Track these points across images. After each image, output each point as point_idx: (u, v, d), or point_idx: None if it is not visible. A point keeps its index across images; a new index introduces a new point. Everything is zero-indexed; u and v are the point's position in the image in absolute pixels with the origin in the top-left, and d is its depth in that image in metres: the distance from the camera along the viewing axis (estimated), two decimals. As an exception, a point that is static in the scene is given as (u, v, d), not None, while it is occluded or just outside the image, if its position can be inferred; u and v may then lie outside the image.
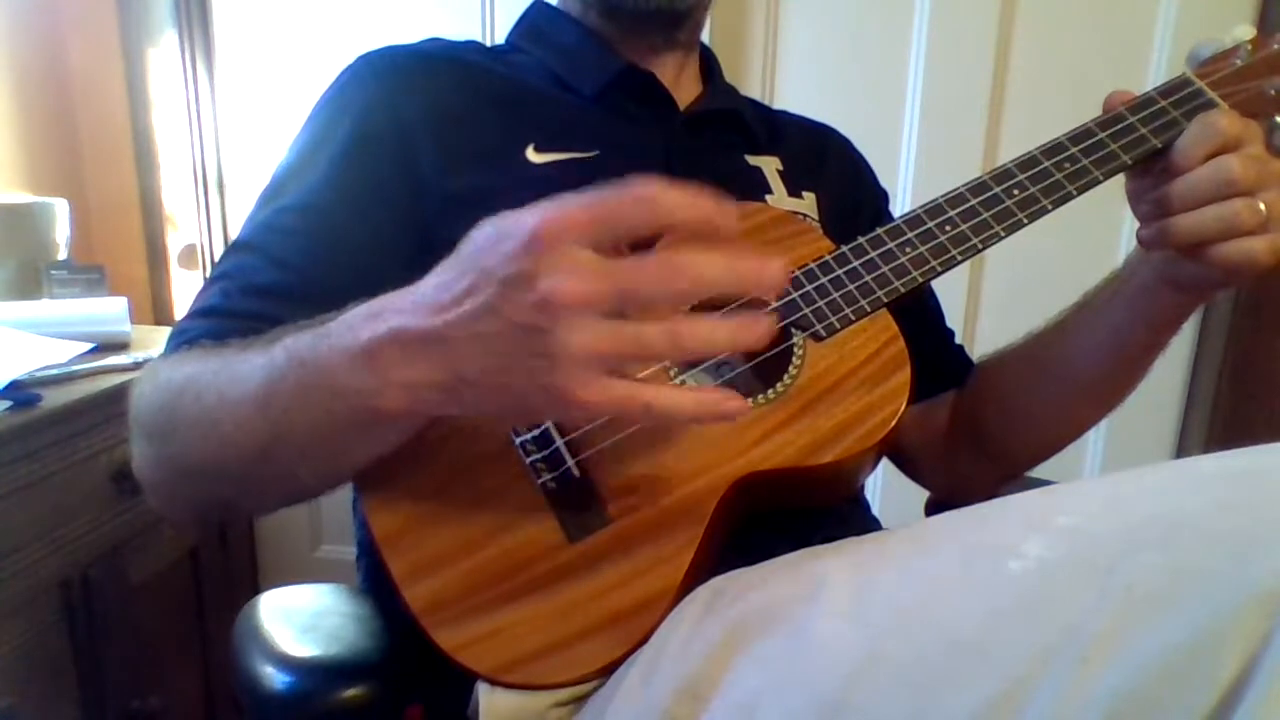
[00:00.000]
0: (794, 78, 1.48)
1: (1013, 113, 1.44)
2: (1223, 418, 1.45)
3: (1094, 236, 1.40)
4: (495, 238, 0.41)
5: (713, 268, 0.40)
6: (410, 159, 0.66)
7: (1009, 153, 0.62)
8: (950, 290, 0.87)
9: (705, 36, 0.84)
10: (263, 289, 0.62)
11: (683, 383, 0.58)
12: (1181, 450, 1.50)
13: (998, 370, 0.77)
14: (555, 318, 0.39)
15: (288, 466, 0.52)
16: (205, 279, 0.66)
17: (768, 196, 0.75)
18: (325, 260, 0.63)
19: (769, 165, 0.78)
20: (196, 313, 0.63)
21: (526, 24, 0.81)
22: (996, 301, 1.49)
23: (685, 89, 0.79)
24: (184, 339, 0.61)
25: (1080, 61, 1.39)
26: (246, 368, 0.51)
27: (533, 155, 0.68)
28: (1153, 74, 1.39)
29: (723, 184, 0.73)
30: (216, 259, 0.68)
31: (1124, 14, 1.38)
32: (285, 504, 0.58)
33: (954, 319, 0.86)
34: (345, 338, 0.46)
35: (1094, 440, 1.51)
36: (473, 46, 0.78)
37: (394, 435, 0.50)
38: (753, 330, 0.42)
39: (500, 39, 0.83)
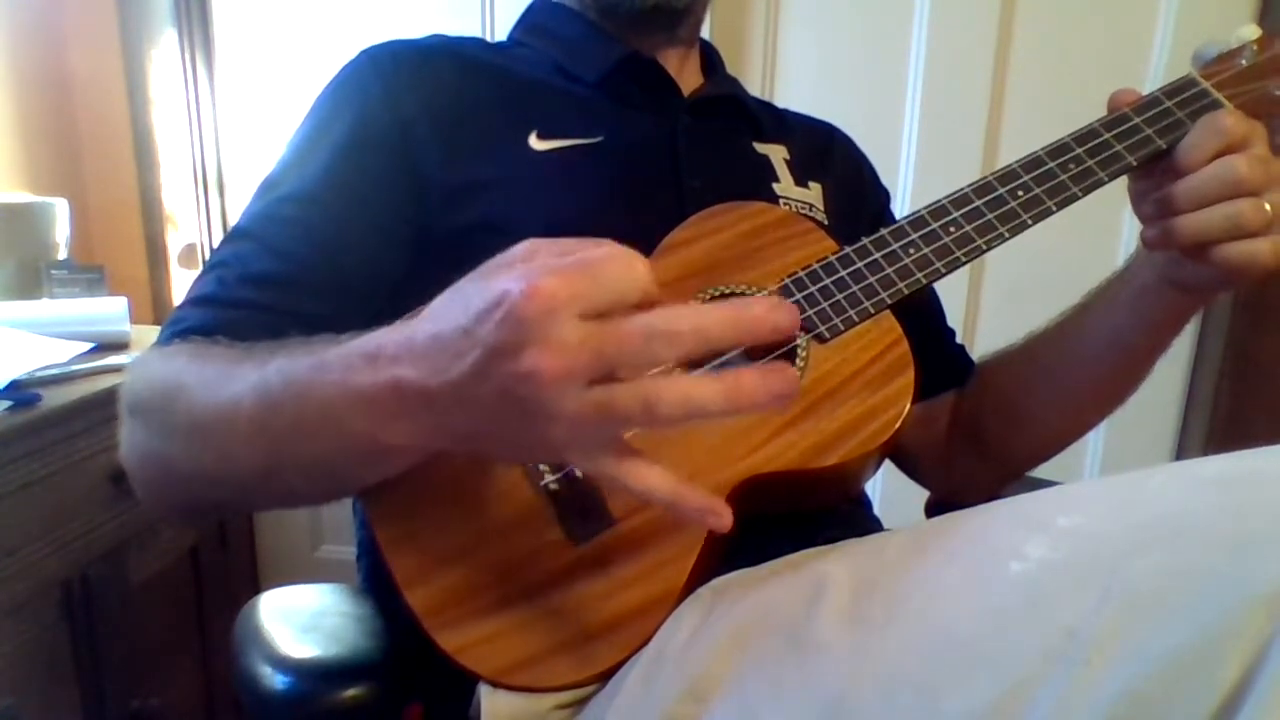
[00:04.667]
0: (794, 77, 1.48)
1: (1013, 113, 1.44)
2: (1222, 418, 1.45)
3: (1094, 236, 1.40)
4: (482, 300, 0.39)
5: (715, 323, 0.38)
6: (410, 152, 0.66)
7: (1009, 153, 0.62)
8: (951, 290, 0.87)
9: (705, 36, 0.84)
10: (259, 278, 0.62)
11: None
12: (1181, 450, 1.50)
13: (998, 370, 0.77)
14: (540, 388, 0.38)
15: (288, 484, 0.51)
16: (202, 267, 0.66)
17: (775, 185, 0.74)
18: (322, 250, 0.63)
19: (776, 153, 0.77)
20: (192, 301, 0.63)
21: (528, 20, 0.81)
22: (997, 301, 1.49)
23: (688, 80, 0.79)
24: (179, 328, 0.60)
25: (1080, 61, 1.39)
26: (240, 386, 0.49)
27: (535, 143, 0.68)
28: (1153, 74, 1.39)
29: (730, 170, 0.74)
30: (215, 253, 0.67)
31: (1124, 14, 1.38)
32: (282, 508, 0.58)
33: (954, 318, 0.86)
34: (346, 379, 0.45)
35: (1094, 440, 1.51)
36: (475, 42, 0.78)
37: (400, 464, 0.50)
38: (746, 393, 0.38)
39: (500, 39, 0.83)
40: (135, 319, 1.28)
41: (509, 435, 0.41)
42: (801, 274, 0.60)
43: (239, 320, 0.59)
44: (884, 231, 0.61)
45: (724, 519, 0.42)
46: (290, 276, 0.62)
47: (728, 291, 0.61)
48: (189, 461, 0.53)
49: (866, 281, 0.59)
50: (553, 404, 0.38)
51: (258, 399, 0.48)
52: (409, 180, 0.66)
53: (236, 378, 0.50)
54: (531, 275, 0.37)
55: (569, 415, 0.38)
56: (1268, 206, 0.55)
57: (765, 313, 0.38)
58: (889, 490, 1.39)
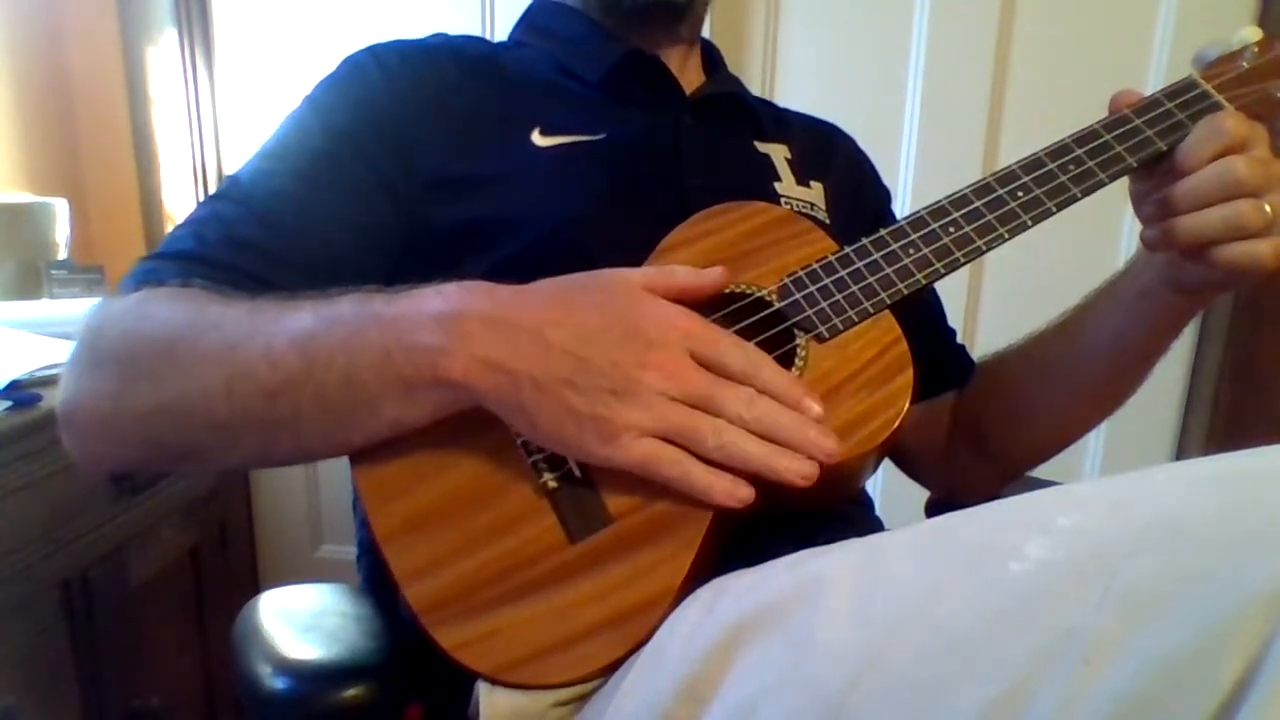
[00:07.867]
0: (794, 78, 1.48)
1: (1013, 113, 1.44)
2: (1223, 418, 1.45)
3: (1094, 237, 1.40)
4: (638, 299, 0.50)
5: (785, 427, 0.50)
6: (410, 147, 0.66)
7: (1009, 153, 0.62)
8: (951, 290, 0.87)
9: (705, 35, 0.84)
10: (245, 243, 0.60)
11: None
12: (1181, 450, 1.50)
13: (998, 370, 0.77)
14: (653, 379, 0.48)
15: (295, 413, 0.51)
16: (178, 225, 0.64)
17: (776, 184, 0.74)
18: (311, 228, 0.62)
19: (778, 153, 0.78)
20: (169, 255, 0.60)
21: (528, 20, 0.81)
22: (997, 301, 1.49)
23: (689, 79, 0.79)
24: (151, 278, 0.58)
25: (1080, 62, 1.39)
26: (294, 311, 0.52)
27: (538, 139, 0.68)
28: (1153, 74, 1.39)
29: (731, 169, 0.75)
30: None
31: (1124, 14, 1.38)
32: (250, 465, 0.58)
33: (955, 318, 0.86)
34: (432, 300, 0.50)
35: (1094, 440, 1.51)
36: (477, 41, 0.78)
37: (424, 408, 0.51)
38: (796, 469, 0.50)
39: (500, 39, 0.83)
40: (135, 319, 1.28)
41: (580, 403, 0.48)
42: (801, 273, 0.60)
43: (217, 281, 0.57)
44: (883, 232, 0.61)
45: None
46: (274, 250, 0.60)
47: (727, 291, 0.61)
48: (194, 388, 0.52)
49: (866, 281, 0.59)
50: (650, 395, 0.48)
51: (314, 317, 0.51)
52: (404, 173, 0.65)
53: (292, 307, 0.53)
54: (683, 313, 0.50)
55: (657, 409, 0.48)
56: (1268, 208, 0.55)
57: (815, 437, 0.51)
58: (889, 490, 1.39)
